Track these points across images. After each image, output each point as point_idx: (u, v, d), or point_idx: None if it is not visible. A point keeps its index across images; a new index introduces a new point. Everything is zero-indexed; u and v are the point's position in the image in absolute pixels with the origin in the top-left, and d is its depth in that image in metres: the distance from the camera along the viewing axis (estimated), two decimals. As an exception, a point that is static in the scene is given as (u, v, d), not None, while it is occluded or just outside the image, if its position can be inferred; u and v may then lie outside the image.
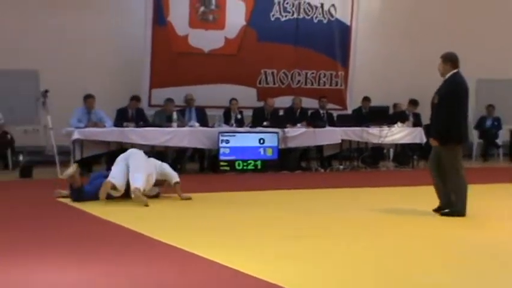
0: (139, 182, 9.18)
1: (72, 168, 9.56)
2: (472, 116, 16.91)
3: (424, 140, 14.76)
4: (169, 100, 14.00)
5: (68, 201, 9.29)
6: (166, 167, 9.86)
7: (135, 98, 13.90)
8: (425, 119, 15.68)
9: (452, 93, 8.36)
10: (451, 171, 8.39)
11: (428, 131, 8.73)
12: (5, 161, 13.79)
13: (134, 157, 9.56)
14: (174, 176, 9.79)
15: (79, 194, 9.29)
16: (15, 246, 6.42)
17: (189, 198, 9.64)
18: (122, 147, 12.99)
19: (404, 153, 15.37)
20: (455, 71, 8.39)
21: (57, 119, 12.69)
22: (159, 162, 9.91)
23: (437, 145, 8.40)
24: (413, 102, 16.05)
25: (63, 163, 12.65)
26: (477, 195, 8.92)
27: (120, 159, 9.58)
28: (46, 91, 12.68)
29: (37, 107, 13.04)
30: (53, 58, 14.45)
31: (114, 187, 9.26)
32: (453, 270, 5.77)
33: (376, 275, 5.53)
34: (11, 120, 13.90)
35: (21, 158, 12.91)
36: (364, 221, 8.14)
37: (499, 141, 17.70)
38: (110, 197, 9.32)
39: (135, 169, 9.29)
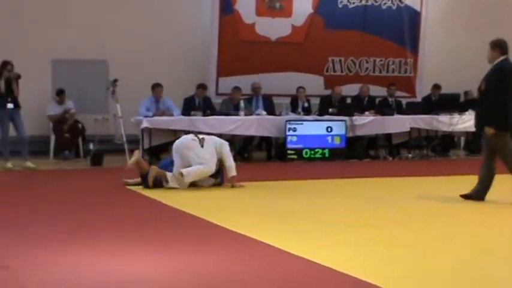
0: (186, 171, 9.33)
1: (135, 156, 9.71)
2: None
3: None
4: (237, 88, 14.02)
5: (136, 188, 9.42)
6: (225, 149, 9.64)
7: (202, 86, 13.97)
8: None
9: (502, 80, 8.19)
10: (507, 159, 8.24)
11: (479, 118, 8.52)
12: (76, 150, 14.06)
13: (186, 152, 9.50)
14: (231, 168, 9.59)
15: (145, 181, 9.43)
16: (86, 231, 6.55)
17: (242, 186, 9.62)
18: (189, 136, 13.13)
19: (476, 141, 15.00)
20: (503, 57, 8.23)
21: (126, 108, 12.88)
22: (219, 141, 9.81)
23: (493, 134, 8.22)
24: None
25: (132, 151, 12.83)
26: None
27: (175, 151, 9.65)
28: (115, 80, 12.87)
29: (107, 96, 13.24)
30: (121, 49, 14.66)
31: (181, 175, 9.35)
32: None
33: (444, 266, 5.42)
34: (82, 109, 14.18)
35: (91, 146, 13.16)
36: (433, 210, 7.99)
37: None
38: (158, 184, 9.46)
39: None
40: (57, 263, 5.28)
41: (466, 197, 8.47)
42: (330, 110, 14.15)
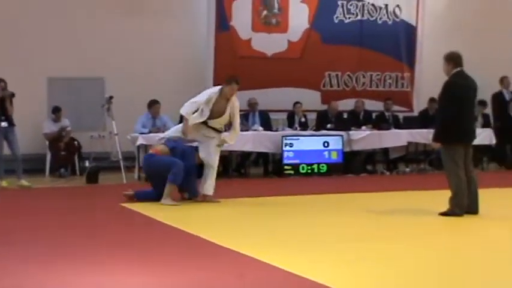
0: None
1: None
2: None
3: (494, 141, 14.39)
4: (233, 105, 13.95)
5: (132, 206, 9.33)
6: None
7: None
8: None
9: (444, 92, 8.42)
10: (448, 172, 8.37)
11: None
12: (72, 167, 13.98)
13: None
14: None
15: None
16: (78, 249, 6.48)
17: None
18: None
19: (474, 155, 14.91)
20: (456, 70, 8.38)
21: (122, 125, 12.83)
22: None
23: (438, 146, 8.51)
24: (482, 103, 15.49)
25: (128, 168, 12.80)
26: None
27: None
28: (111, 97, 12.84)
29: (102, 113, 13.19)
30: (117, 66, 14.63)
31: None
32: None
33: (437, 278, 5.35)
34: (78, 126, 14.11)
35: (87, 163, 13.10)
36: (430, 224, 7.93)
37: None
38: None
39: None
40: (41, 283, 5.20)
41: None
42: (328, 125, 14.09)
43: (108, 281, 5.24)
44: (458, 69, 8.39)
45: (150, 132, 12.89)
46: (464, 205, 8.23)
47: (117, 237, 7.20)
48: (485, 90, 15.31)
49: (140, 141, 12.58)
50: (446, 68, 8.45)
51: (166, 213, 8.71)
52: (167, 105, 13.61)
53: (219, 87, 10.18)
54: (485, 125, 15.06)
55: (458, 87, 8.31)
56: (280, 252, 6.26)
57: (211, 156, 9.70)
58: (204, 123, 9.75)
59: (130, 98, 13.88)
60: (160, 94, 13.79)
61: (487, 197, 8.65)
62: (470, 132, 8.54)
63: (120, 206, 9.45)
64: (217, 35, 15.04)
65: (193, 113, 9.75)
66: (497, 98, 15.38)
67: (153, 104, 13.25)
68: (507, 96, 15.52)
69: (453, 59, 8.43)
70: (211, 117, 9.75)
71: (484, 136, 14.51)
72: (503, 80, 15.34)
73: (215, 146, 9.78)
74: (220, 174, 13.26)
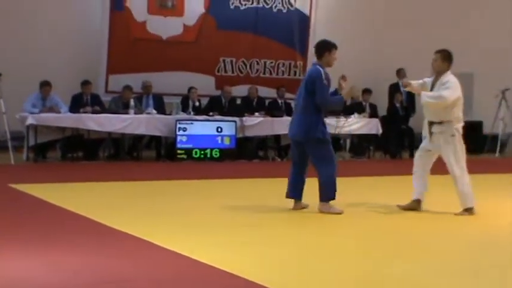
0: None
1: None
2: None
3: (380, 131, 14.90)
4: (127, 87, 13.86)
5: (21, 187, 9.14)
6: None
7: (86, 83, 13.61)
8: (382, 111, 15.85)
9: None
10: None
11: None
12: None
13: None
14: None
15: None
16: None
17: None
18: (77, 133, 12.88)
19: (361, 144, 15.48)
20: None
21: (11, 104, 12.47)
22: None
23: None
24: (367, 91, 15.98)
25: (16, 148, 12.48)
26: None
27: None
28: (-1, 75, 12.46)
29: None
30: (8, 42, 14.20)
31: None
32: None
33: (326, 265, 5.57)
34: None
35: (-27, 143, 12.68)
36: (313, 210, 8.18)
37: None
38: None
39: None
40: None
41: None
42: (211, 113, 14.04)
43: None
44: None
45: (41, 112, 12.60)
46: None
47: (4, 220, 7.05)
48: (375, 80, 15.89)
49: (30, 121, 12.29)
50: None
51: (57, 194, 8.58)
52: (59, 86, 13.35)
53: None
54: (373, 115, 15.55)
55: None
56: (172, 235, 6.31)
57: None
58: None
59: (20, 76, 13.52)
60: (52, 73, 13.50)
61: (377, 184, 8.95)
62: None
63: (8, 186, 9.23)
64: (112, 15, 14.84)
65: None
66: (393, 89, 15.90)
67: (43, 86, 12.91)
68: (403, 88, 16.06)
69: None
70: None
71: (371, 126, 15.04)
72: (399, 72, 15.87)
73: None
74: (112, 157, 13.23)
